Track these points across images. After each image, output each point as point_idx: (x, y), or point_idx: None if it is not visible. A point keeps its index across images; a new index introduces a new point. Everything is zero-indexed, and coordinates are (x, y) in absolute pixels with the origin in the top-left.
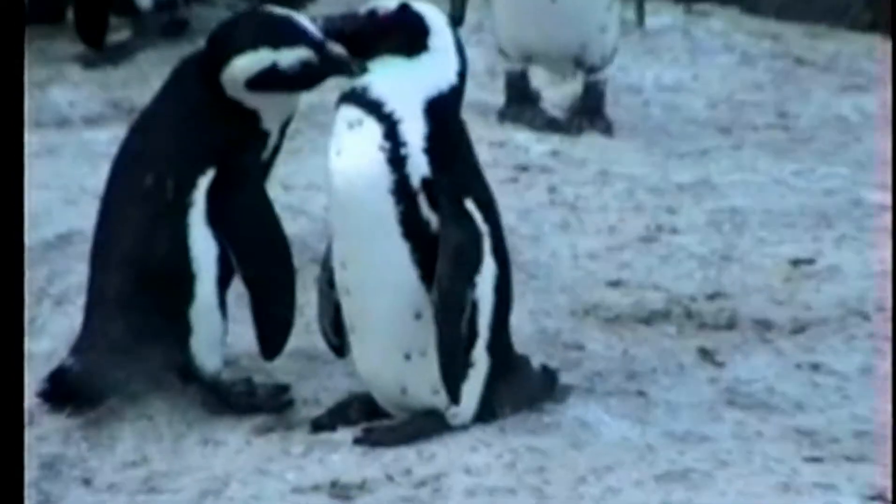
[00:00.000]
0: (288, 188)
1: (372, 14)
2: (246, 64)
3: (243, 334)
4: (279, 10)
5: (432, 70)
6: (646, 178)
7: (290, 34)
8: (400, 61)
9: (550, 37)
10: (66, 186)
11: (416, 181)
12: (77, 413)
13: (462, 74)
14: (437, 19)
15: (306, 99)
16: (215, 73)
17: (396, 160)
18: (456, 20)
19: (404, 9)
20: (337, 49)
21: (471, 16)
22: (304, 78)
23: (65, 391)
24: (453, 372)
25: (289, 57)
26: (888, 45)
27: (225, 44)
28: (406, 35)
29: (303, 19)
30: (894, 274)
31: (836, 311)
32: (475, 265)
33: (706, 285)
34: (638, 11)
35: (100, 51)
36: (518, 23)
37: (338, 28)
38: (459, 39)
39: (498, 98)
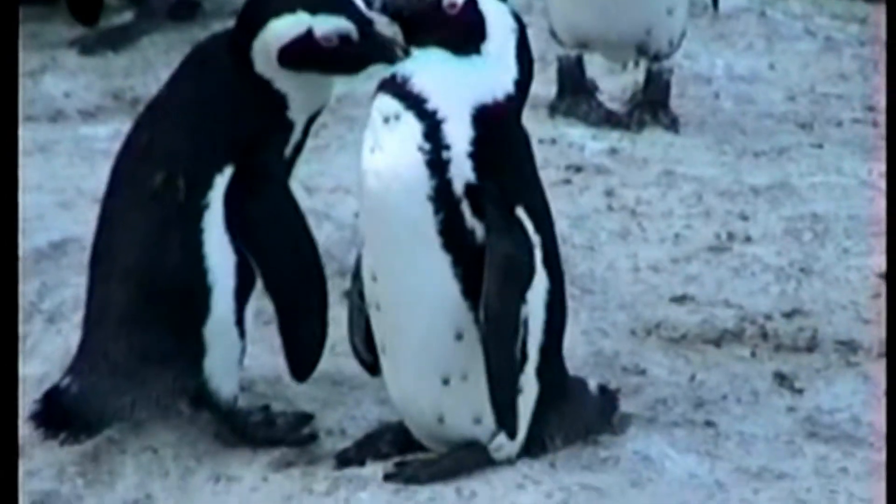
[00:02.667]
0: (312, 191)
1: (437, 2)
2: (282, 27)
3: (260, 356)
4: None
5: (484, 74)
6: (716, 180)
7: (333, 2)
8: (448, 56)
9: (611, 19)
10: (60, 188)
11: (459, 187)
12: (72, 442)
13: (521, 84)
14: (500, 22)
15: (334, 90)
16: (247, 44)
17: (437, 163)
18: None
19: (470, 5)
20: (381, 31)
21: None
22: (341, 56)
23: (59, 415)
24: (507, 400)
25: (327, 25)
26: None
27: (261, 7)
28: (462, 34)
29: None
30: None
31: None
32: (526, 280)
33: (783, 302)
34: None
35: (95, 28)
36: (575, 4)
37: (398, 7)
38: (525, 46)
39: (549, 89)
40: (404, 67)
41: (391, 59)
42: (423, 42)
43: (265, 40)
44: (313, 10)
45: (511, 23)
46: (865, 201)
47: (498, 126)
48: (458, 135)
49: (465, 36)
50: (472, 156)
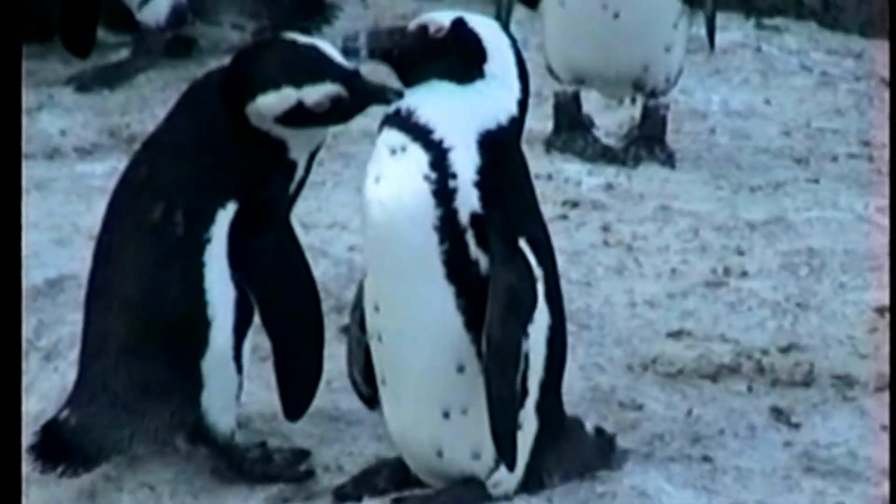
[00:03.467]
0: (308, 227)
1: (423, 32)
2: (271, 102)
3: (256, 392)
4: (303, 41)
5: (488, 98)
6: (712, 215)
7: (314, 70)
8: (452, 86)
9: (609, 56)
10: (57, 226)
11: (464, 217)
12: (71, 475)
13: (523, 103)
14: (495, 39)
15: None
16: (239, 105)
17: (443, 192)
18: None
19: (459, 26)
20: (368, 79)
21: (515, 31)
22: (335, 113)
23: (58, 448)
24: (507, 433)
25: (315, 94)
26: None
27: (247, 79)
28: (461, 59)
29: (329, 49)
30: None
31: None
32: (529, 312)
33: (780, 337)
34: (709, 30)
35: (91, 65)
36: (572, 40)
37: (384, 47)
38: (522, 60)
39: (545, 124)
40: (409, 101)
41: (385, 102)
42: (424, 77)
43: (257, 110)
44: (297, 83)
45: (506, 38)
46: (862, 236)
47: (502, 151)
48: (465, 163)
49: (465, 59)
50: (478, 185)
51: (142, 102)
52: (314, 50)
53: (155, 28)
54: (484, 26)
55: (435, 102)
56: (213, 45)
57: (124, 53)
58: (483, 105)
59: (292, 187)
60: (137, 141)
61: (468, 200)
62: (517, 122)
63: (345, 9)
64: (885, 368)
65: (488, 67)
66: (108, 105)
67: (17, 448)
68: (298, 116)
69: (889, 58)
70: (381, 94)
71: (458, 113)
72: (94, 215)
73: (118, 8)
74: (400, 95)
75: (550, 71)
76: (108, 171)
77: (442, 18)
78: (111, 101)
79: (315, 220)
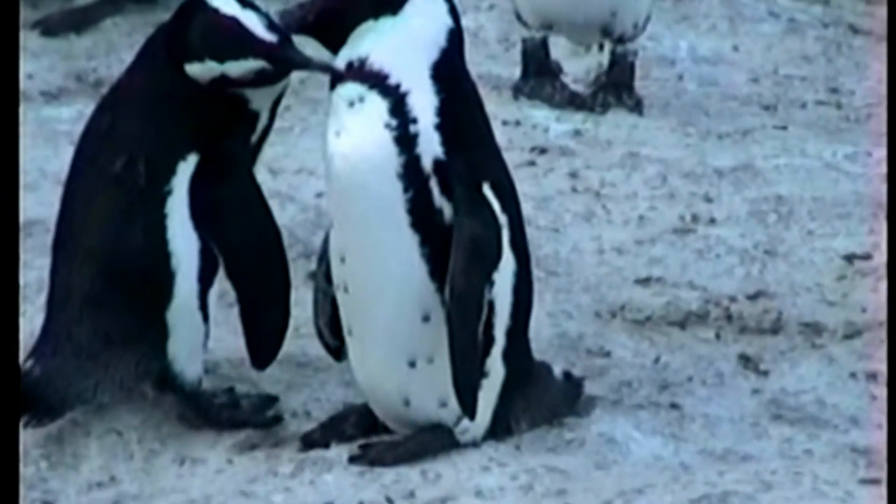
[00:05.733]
0: (276, 172)
1: None
2: (197, 72)
3: (224, 338)
4: (224, 13)
5: (425, 20)
6: (680, 161)
7: (235, 45)
8: (386, 22)
9: (577, 1)
10: (24, 170)
11: (427, 163)
12: (35, 425)
13: (455, 12)
14: None
15: (296, 73)
16: (180, 64)
17: (405, 139)
18: None
19: None
20: (291, 51)
21: None
22: (264, 81)
23: (22, 399)
24: (469, 382)
25: (237, 69)
26: None
27: (178, 41)
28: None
29: (252, 20)
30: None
31: (894, 315)
32: (493, 260)
33: (748, 284)
34: None
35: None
36: None
37: (299, 18)
38: None
39: (513, 71)
40: (355, 49)
41: (313, 68)
42: (351, 28)
43: (191, 75)
44: (219, 58)
45: None
46: (830, 183)
47: (456, 83)
48: (423, 105)
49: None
50: (439, 127)
51: (108, 46)
52: (235, 22)
53: None
54: None
55: (380, 43)
56: None
57: None
58: (422, 28)
59: (256, 136)
60: (104, 85)
61: (430, 146)
62: (457, 36)
63: None
64: (853, 316)
65: None
66: (74, 49)
67: (15, 441)
68: (225, 85)
69: (888, 20)
70: (304, 64)
71: (405, 48)
72: (60, 160)
73: None
74: (325, 65)
75: (518, 17)
76: (74, 115)
77: None
78: (78, 45)
79: (283, 165)
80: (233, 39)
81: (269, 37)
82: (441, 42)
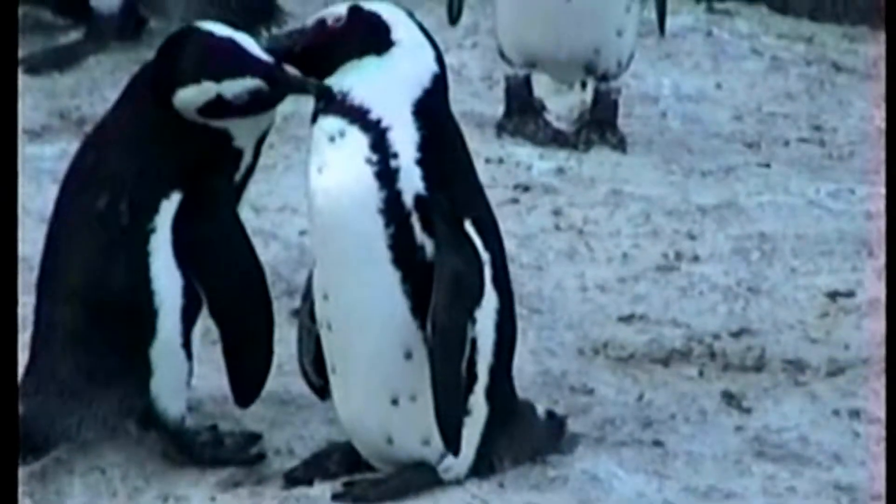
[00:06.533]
0: (259, 210)
1: (321, 25)
2: (191, 96)
3: (207, 375)
4: (220, 33)
5: (408, 62)
6: (663, 199)
7: (233, 63)
8: (371, 62)
9: (561, 38)
10: None
11: (408, 198)
12: (20, 464)
13: (441, 60)
14: (393, 12)
15: (280, 109)
16: (167, 98)
17: (386, 174)
18: (452, 19)
19: (356, 12)
20: (289, 71)
21: (466, 15)
22: (258, 104)
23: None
24: (452, 419)
25: (234, 88)
26: None
27: (168, 72)
28: (366, 36)
29: (248, 42)
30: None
31: (878, 351)
32: (476, 297)
33: (731, 321)
34: (659, 14)
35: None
36: (524, 22)
37: (286, 48)
38: (423, 26)
39: (496, 108)
40: (339, 84)
41: (306, 93)
42: (336, 65)
43: (181, 102)
44: (216, 77)
45: (402, 10)
46: (813, 220)
47: (438, 122)
48: (405, 140)
49: (370, 36)
50: (420, 163)
51: (92, 84)
52: (232, 42)
53: (107, 16)
54: (378, 5)
55: (363, 80)
56: (165, 26)
57: (75, 35)
58: (407, 70)
59: (240, 174)
60: (88, 124)
61: (411, 181)
62: (442, 81)
63: (297, 13)
64: (837, 353)
65: (395, 35)
66: (57, 87)
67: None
68: (218, 109)
69: (886, 54)
70: (301, 86)
71: (388, 86)
72: (44, 198)
73: None
74: (321, 87)
75: (502, 54)
76: (57, 153)
77: (338, 8)
78: (61, 83)
79: (266, 203)
80: (231, 57)
81: (265, 57)
82: (424, 82)
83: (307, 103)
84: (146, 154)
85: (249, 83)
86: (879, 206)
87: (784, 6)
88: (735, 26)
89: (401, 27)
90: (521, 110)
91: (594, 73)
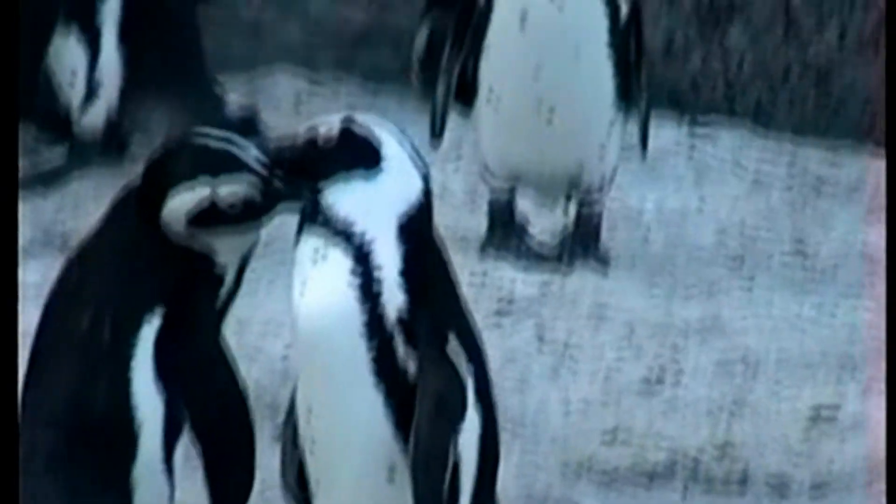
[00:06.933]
0: (243, 326)
1: (313, 135)
2: (184, 200)
3: (190, 489)
4: (216, 134)
5: (397, 180)
6: (646, 317)
7: (229, 160)
8: (359, 176)
9: (545, 154)
10: None
11: (392, 314)
12: None
13: (427, 178)
14: (385, 128)
15: (264, 232)
16: (155, 211)
17: (369, 293)
18: (435, 134)
19: (348, 124)
20: (281, 176)
21: (450, 130)
22: (250, 211)
23: None
24: None
25: (230, 186)
26: None
27: (159, 176)
28: (355, 153)
29: (242, 144)
30: None
31: (862, 469)
32: (458, 415)
33: (715, 438)
34: (642, 135)
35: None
36: (507, 138)
37: (276, 155)
38: (413, 146)
39: (479, 223)
40: (325, 198)
41: (299, 198)
42: (323, 176)
43: (171, 211)
44: (214, 172)
45: (392, 126)
46: (796, 337)
47: (421, 240)
48: (388, 258)
49: (360, 153)
50: (403, 283)
51: (76, 202)
52: (228, 143)
53: (91, 138)
54: (370, 123)
55: (349, 194)
56: (148, 143)
57: (57, 153)
58: (394, 187)
59: (223, 294)
60: (71, 241)
61: (395, 296)
62: (427, 198)
63: (273, 124)
64: (821, 471)
65: (384, 151)
66: (41, 206)
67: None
68: (210, 216)
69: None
70: (295, 191)
71: (374, 200)
72: (27, 317)
73: (51, 110)
74: (315, 191)
75: (486, 170)
76: (41, 271)
77: (330, 119)
78: (45, 202)
79: (250, 321)
80: (228, 155)
81: (262, 158)
82: (411, 199)
83: (293, 218)
84: (130, 274)
85: (244, 186)
86: (862, 322)
87: (767, 121)
88: (718, 141)
89: (391, 144)
90: (505, 227)
91: (578, 189)
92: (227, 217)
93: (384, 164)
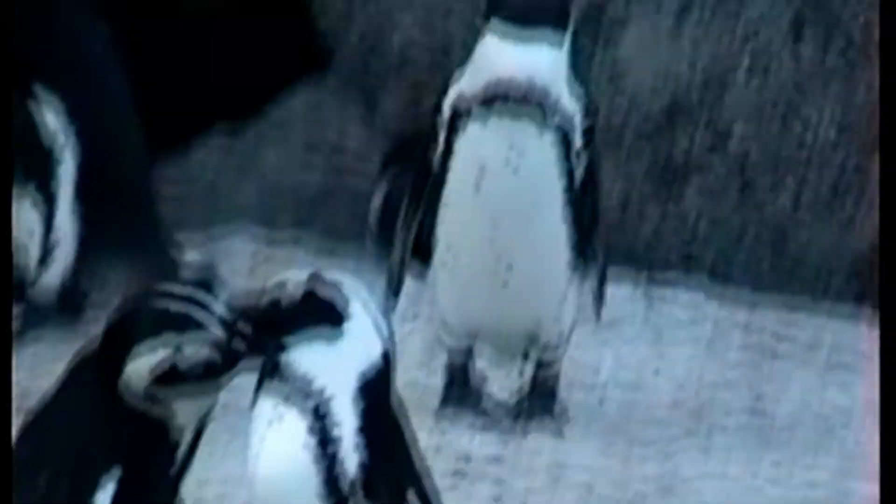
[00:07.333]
0: (203, 482)
1: (276, 302)
2: (147, 357)
3: None
4: (180, 290)
5: (360, 339)
6: (604, 476)
7: (194, 315)
8: (322, 333)
9: (503, 310)
10: None
11: (348, 477)
12: None
13: (391, 338)
14: (351, 287)
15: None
16: (115, 373)
17: (325, 454)
18: (393, 291)
19: (314, 282)
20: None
21: (408, 285)
22: (212, 368)
23: None
24: None
25: (194, 344)
26: (877, 320)
27: (122, 331)
28: (321, 309)
29: (207, 299)
30: None
31: None
32: None
33: None
34: (597, 295)
35: None
36: (465, 294)
37: (241, 310)
38: (377, 301)
39: (435, 380)
40: (283, 357)
41: (262, 354)
42: (286, 331)
43: (134, 369)
44: (180, 327)
45: (360, 286)
46: (754, 494)
47: (379, 399)
48: (348, 411)
49: (325, 309)
50: (361, 436)
51: (33, 360)
52: (193, 298)
53: (46, 301)
54: (337, 283)
55: (306, 354)
56: (106, 298)
57: (14, 310)
58: (356, 346)
59: (180, 456)
60: (28, 399)
61: (351, 460)
62: (388, 358)
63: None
64: None
65: (350, 310)
66: None
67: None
68: (173, 373)
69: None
70: (257, 348)
71: (335, 358)
72: None
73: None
74: (277, 349)
75: (443, 326)
76: None
77: (297, 276)
78: None
79: (210, 474)
80: (189, 317)
81: (225, 316)
82: (370, 360)
83: (250, 379)
84: (86, 436)
85: (205, 347)
86: (821, 479)
87: (724, 280)
88: (675, 298)
89: (356, 303)
90: (462, 384)
91: (536, 346)
92: (188, 377)
93: (346, 325)
